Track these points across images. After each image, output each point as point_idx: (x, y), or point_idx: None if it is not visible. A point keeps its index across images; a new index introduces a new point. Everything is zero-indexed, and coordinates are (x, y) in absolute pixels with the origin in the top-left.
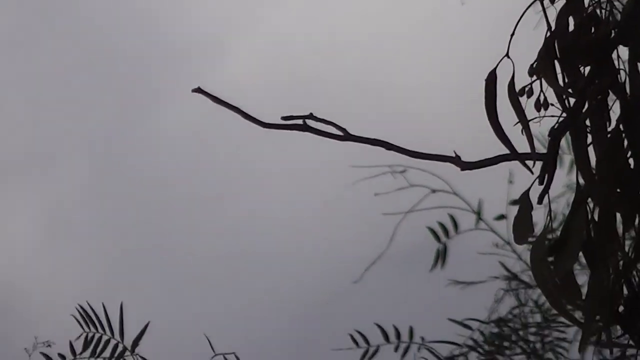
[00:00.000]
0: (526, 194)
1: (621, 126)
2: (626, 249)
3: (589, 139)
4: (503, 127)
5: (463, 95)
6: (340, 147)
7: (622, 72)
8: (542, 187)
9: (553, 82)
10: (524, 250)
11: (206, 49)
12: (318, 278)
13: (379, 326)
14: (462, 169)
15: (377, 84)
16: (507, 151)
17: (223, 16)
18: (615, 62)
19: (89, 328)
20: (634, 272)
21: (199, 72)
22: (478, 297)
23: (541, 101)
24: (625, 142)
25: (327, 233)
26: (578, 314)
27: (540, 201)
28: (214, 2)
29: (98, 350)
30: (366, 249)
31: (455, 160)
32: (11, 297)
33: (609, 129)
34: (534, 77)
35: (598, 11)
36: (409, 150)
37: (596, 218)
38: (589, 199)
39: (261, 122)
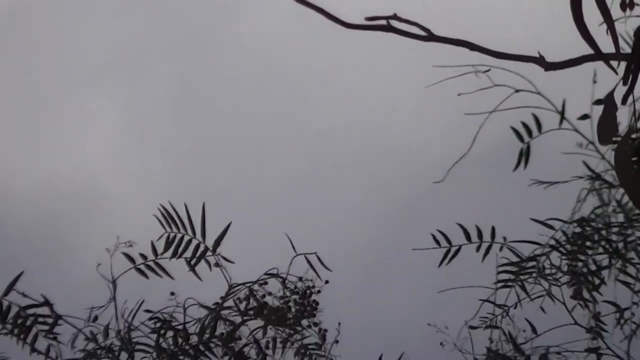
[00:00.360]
0: (610, 94)
1: None
2: None
3: None
4: (588, 27)
5: None
6: (423, 48)
7: None
8: (626, 87)
9: None
10: (608, 150)
11: None
12: (401, 178)
13: (461, 226)
14: (546, 70)
15: None
16: (591, 51)
17: None
18: None
19: (171, 228)
20: None
21: None
22: (561, 197)
23: (627, 1)
24: None
25: (410, 134)
26: None
27: (624, 101)
28: None
29: (180, 250)
30: (449, 149)
31: (539, 60)
32: (94, 198)
33: None
34: None
35: None
36: (492, 50)
37: None
38: None
39: (344, 22)
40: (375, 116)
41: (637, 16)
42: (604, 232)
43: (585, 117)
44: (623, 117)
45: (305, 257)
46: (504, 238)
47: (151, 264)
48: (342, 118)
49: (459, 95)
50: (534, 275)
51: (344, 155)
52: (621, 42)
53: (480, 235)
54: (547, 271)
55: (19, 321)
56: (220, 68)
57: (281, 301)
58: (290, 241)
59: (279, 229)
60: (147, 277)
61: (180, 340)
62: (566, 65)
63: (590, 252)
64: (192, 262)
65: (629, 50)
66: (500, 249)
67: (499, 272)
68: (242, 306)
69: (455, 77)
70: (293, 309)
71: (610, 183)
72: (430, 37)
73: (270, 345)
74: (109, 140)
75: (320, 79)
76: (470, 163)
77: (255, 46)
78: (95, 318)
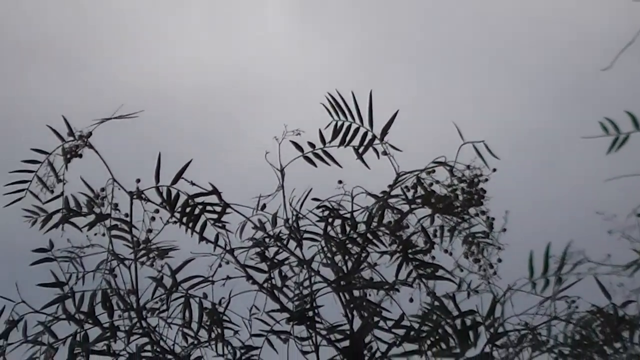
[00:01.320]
0: None
1: None
2: None
3: None
4: None
5: None
6: None
7: None
8: None
9: None
10: None
11: None
12: (568, 66)
13: (630, 114)
14: None
15: None
16: None
17: None
18: None
19: (339, 116)
20: None
21: None
22: None
23: None
24: None
25: (577, 20)
26: None
27: None
28: None
29: (347, 138)
30: (616, 36)
31: None
32: (262, 86)
33: None
34: None
35: None
36: None
37: None
38: None
39: None
40: (544, 3)
41: None
42: None
43: None
44: None
45: (473, 145)
46: None
47: (319, 152)
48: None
49: None
50: None
51: (510, 41)
52: None
53: None
54: None
55: (188, 210)
56: None
57: (449, 189)
58: (458, 129)
59: (447, 117)
60: (315, 165)
61: (348, 229)
62: None
63: None
64: (360, 150)
65: None
66: None
67: None
68: (410, 194)
69: None
70: (460, 197)
71: None
72: None
73: (438, 233)
74: (275, 25)
75: None
76: (638, 49)
77: None
78: (264, 206)
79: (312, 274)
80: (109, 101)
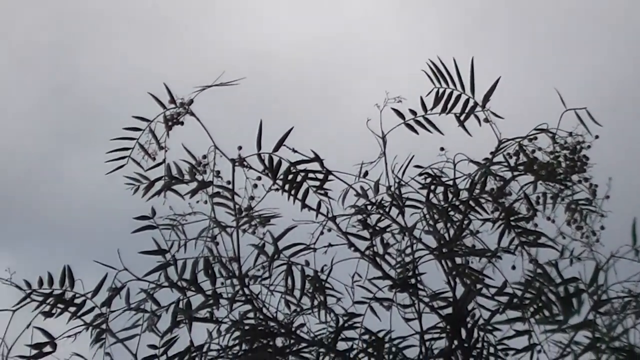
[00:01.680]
0: None
1: None
2: None
3: None
4: None
5: None
6: None
7: None
8: None
9: None
10: None
11: None
12: None
13: None
14: None
15: None
16: None
17: None
18: None
19: (440, 84)
20: None
21: None
22: None
23: None
24: None
25: None
26: None
27: None
28: None
29: (449, 105)
30: None
31: None
32: (361, 53)
33: None
34: None
35: None
36: None
37: None
38: None
39: None
40: None
41: None
42: None
43: None
44: None
45: (575, 112)
46: None
47: (420, 119)
48: None
49: None
50: None
51: (617, 3)
52: None
53: None
54: None
55: (290, 177)
56: None
57: (551, 156)
58: (560, 96)
59: (548, 83)
60: (416, 132)
61: (450, 196)
62: None
63: None
64: (462, 118)
65: None
66: None
67: None
68: (512, 161)
69: None
70: (563, 164)
71: None
72: None
73: (540, 200)
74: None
75: None
76: None
77: None
78: (366, 174)
79: (414, 241)
80: (211, 67)
